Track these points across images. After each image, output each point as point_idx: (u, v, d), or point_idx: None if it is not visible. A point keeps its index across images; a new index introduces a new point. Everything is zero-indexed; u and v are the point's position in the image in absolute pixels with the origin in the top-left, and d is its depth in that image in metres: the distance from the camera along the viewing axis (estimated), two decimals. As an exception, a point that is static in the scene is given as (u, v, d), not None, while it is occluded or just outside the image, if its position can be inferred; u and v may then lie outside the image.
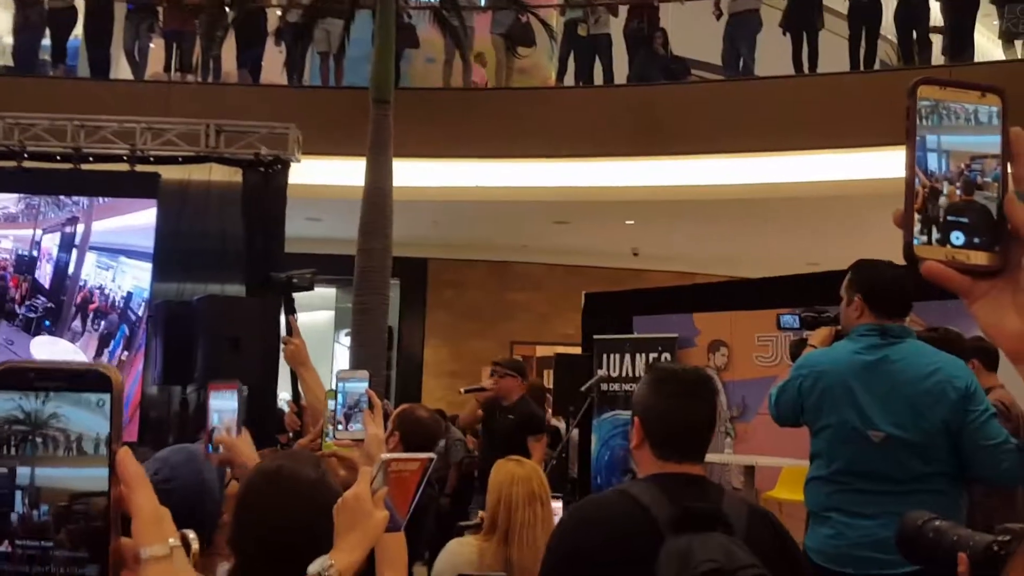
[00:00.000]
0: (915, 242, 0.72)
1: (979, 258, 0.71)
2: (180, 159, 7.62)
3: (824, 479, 2.98)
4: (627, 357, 7.34)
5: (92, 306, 7.40)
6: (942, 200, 0.72)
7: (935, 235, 0.72)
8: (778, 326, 3.91)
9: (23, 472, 0.55)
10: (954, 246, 0.72)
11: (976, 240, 0.72)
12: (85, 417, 0.56)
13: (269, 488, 1.71)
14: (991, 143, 0.72)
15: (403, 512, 1.71)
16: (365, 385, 2.12)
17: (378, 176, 8.12)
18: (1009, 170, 0.72)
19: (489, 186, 9.72)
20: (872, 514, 2.85)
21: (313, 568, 1.48)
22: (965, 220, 0.72)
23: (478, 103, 9.80)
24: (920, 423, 2.82)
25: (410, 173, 8.92)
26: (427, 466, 1.71)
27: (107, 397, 0.57)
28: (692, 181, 9.31)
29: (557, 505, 4.58)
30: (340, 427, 2.12)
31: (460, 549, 2.91)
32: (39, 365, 0.58)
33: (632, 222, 10.85)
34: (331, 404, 2.29)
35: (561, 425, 8.27)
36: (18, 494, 0.55)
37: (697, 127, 9.09)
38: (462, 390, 6.30)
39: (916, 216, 0.72)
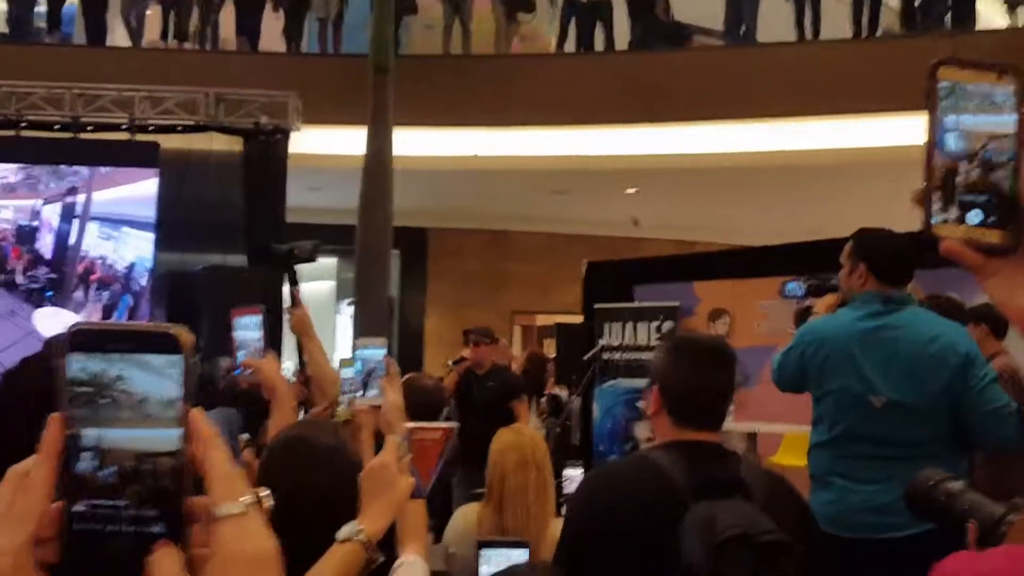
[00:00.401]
0: (933, 221, 0.74)
1: (993, 236, 0.74)
2: (180, 128, 7.59)
3: (826, 444, 3.03)
4: (628, 326, 7.35)
5: (94, 276, 7.41)
6: (959, 179, 0.74)
7: (953, 214, 0.74)
8: (783, 294, 3.94)
9: (89, 434, 0.57)
10: (971, 225, 0.74)
11: (991, 219, 0.74)
12: (151, 379, 0.57)
13: (289, 457, 1.74)
14: (1007, 123, 0.74)
15: (426, 479, 1.76)
16: (383, 352, 2.16)
17: (378, 146, 8.10)
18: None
19: (488, 155, 9.69)
20: (873, 479, 2.90)
21: (342, 533, 1.52)
22: (982, 199, 0.74)
23: (478, 71, 9.74)
24: (921, 388, 2.87)
25: (410, 142, 8.89)
26: (449, 436, 1.76)
27: (178, 358, 0.57)
28: (693, 149, 9.29)
29: (573, 472, 4.62)
30: (359, 393, 2.14)
31: (463, 516, 2.99)
32: (109, 327, 0.58)
33: (632, 191, 10.83)
34: (348, 372, 2.32)
35: (563, 394, 8.33)
36: (86, 455, 0.57)
37: (698, 94, 9.06)
38: (449, 362, 6.34)
39: (934, 195, 0.74)
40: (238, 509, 0.58)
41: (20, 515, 0.56)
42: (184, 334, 0.58)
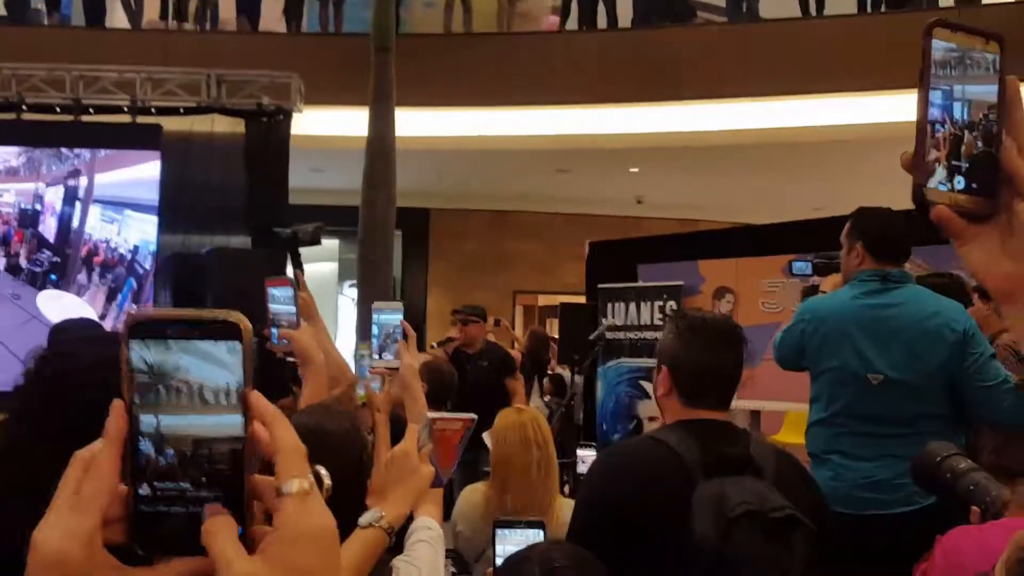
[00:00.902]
0: (926, 186, 0.75)
1: (976, 202, 0.75)
2: (181, 110, 7.58)
3: (824, 422, 3.07)
4: (632, 306, 7.39)
5: (98, 259, 7.43)
6: (947, 145, 0.75)
7: (941, 179, 0.75)
8: (789, 272, 3.95)
9: (148, 420, 0.59)
10: (956, 190, 0.75)
11: (974, 185, 0.75)
12: (210, 368, 0.58)
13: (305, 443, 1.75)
14: (991, 90, 0.76)
15: (446, 468, 1.79)
16: (400, 316, 2.20)
17: (381, 126, 8.08)
18: (1006, 117, 0.76)
19: (490, 135, 9.67)
20: (870, 456, 2.94)
21: (365, 519, 1.55)
22: (966, 165, 0.75)
23: (479, 49, 9.70)
24: (918, 366, 2.90)
25: (412, 122, 8.87)
26: (469, 426, 1.78)
27: (237, 344, 0.59)
28: (697, 127, 9.28)
29: (586, 453, 4.66)
30: (376, 356, 2.20)
31: (470, 496, 3.02)
32: (169, 315, 0.59)
33: (636, 169, 10.82)
34: (365, 357, 2.33)
35: (566, 374, 8.36)
36: (147, 441, 0.59)
37: (702, 71, 9.03)
38: (434, 344, 6.35)
39: (925, 160, 0.75)
40: (304, 486, 0.59)
41: (88, 499, 0.58)
42: (244, 321, 0.59)
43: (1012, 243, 0.75)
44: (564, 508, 2.85)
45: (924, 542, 2.01)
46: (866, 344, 2.96)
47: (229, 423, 0.59)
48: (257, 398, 0.59)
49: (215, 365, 0.58)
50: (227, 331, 0.59)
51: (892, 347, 2.93)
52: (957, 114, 0.75)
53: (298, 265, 3.51)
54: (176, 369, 0.58)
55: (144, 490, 0.59)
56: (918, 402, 2.89)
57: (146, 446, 0.59)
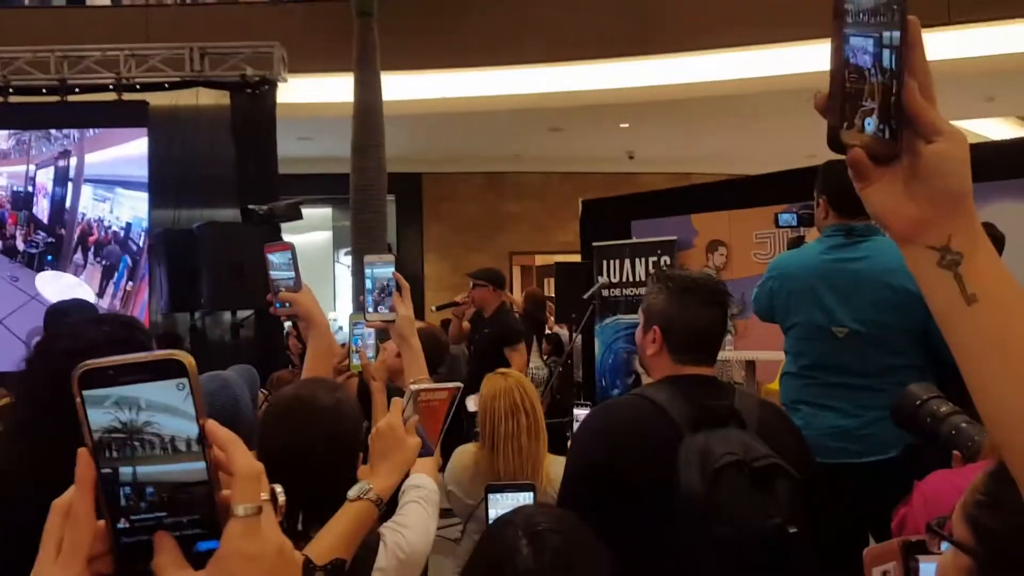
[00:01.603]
0: (840, 128, 0.76)
1: (884, 145, 0.78)
2: (166, 85, 7.55)
3: (794, 374, 3.13)
4: (627, 262, 7.42)
5: (92, 238, 7.46)
6: (858, 88, 0.77)
7: (855, 122, 0.77)
8: (776, 224, 3.98)
9: (125, 471, 0.63)
10: (866, 132, 0.77)
11: (882, 127, 0.78)
12: (174, 420, 0.62)
13: (287, 416, 1.79)
14: (896, 35, 0.77)
15: (434, 438, 1.82)
16: (392, 269, 2.19)
17: (367, 92, 8.05)
18: (908, 59, 0.77)
19: (479, 95, 9.63)
20: (837, 407, 2.99)
21: (353, 492, 1.60)
22: (873, 107, 0.77)
23: (464, 8, 9.62)
24: (882, 318, 2.93)
25: (399, 86, 8.83)
26: (455, 395, 1.81)
27: (185, 381, 0.62)
28: (685, 79, 9.23)
29: (581, 412, 4.72)
30: (371, 310, 2.19)
31: (461, 457, 3.09)
32: (115, 362, 0.62)
33: (627, 125, 10.78)
34: (359, 328, 2.31)
35: (563, 333, 8.42)
36: (124, 489, 0.63)
37: (689, 22, 8.97)
38: (433, 308, 6.29)
39: (838, 103, 0.76)
40: (250, 511, 0.64)
41: (72, 549, 0.63)
42: (186, 357, 0.63)
43: (914, 186, 0.77)
44: (554, 465, 2.91)
45: (894, 490, 2.06)
46: (830, 299, 2.99)
47: (193, 467, 0.63)
48: (212, 428, 0.64)
49: (178, 418, 0.62)
50: (173, 369, 0.62)
51: (856, 300, 2.96)
52: (869, 59, 0.77)
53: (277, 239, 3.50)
54: (146, 425, 0.61)
55: (123, 524, 0.63)
56: (885, 353, 2.93)
57: (124, 492, 0.63)
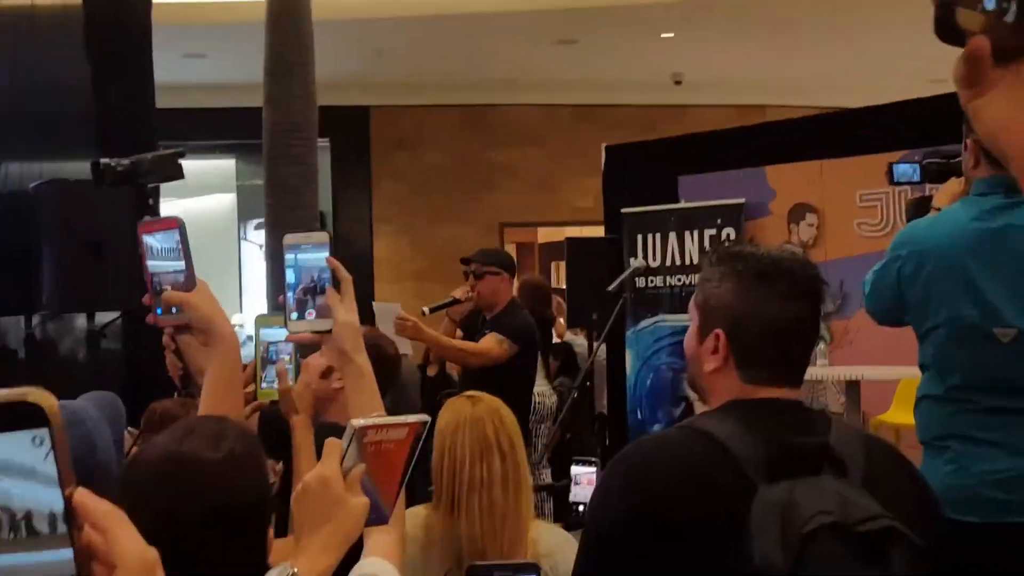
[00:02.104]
0: (959, 6, 0.80)
1: (1010, 31, 0.80)
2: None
3: (938, 398, 3.15)
4: (672, 237, 7.45)
5: None
6: None
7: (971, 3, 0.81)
8: (890, 179, 4.00)
9: None
10: (986, 10, 0.81)
11: (1004, 5, 0.80)
12: (28, 487, 0.62)
13: (158, 484, 1.78)
14: None
15: (390, 498, 1.76)
16: (325, 254, 2.11)
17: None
18: None
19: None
20: (1002, 443, 3.01)
21: None
22: None
23: None
24: None
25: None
26: (420, 433, 1.73)
27: (44, 432, 0.62)
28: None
29: (584, 470, 4.70)
30: (294, 316, 2.13)
31: (407, 523, 3.05)
32: None
33: (671, 35, 10.80)
34: (269, 331, 2.27)
35: (579, 342, 8.41)
36: None
37: None
38: (425, 310, 6.30)
39: None
40: None
41: None
42: (46, 398, 0.63)
43: None
44: (547, 535, 2.90)
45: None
46: (990, 286, 3.01)
47: (56, 557, 0.63)
48: (83, 498, 0.63)
49: (19, 472, 0.62)
50: (26, 416, 0.62)
51: None
52: None
53: (154, 211, 3.48)
54: None
55: None
56: None
57: None
